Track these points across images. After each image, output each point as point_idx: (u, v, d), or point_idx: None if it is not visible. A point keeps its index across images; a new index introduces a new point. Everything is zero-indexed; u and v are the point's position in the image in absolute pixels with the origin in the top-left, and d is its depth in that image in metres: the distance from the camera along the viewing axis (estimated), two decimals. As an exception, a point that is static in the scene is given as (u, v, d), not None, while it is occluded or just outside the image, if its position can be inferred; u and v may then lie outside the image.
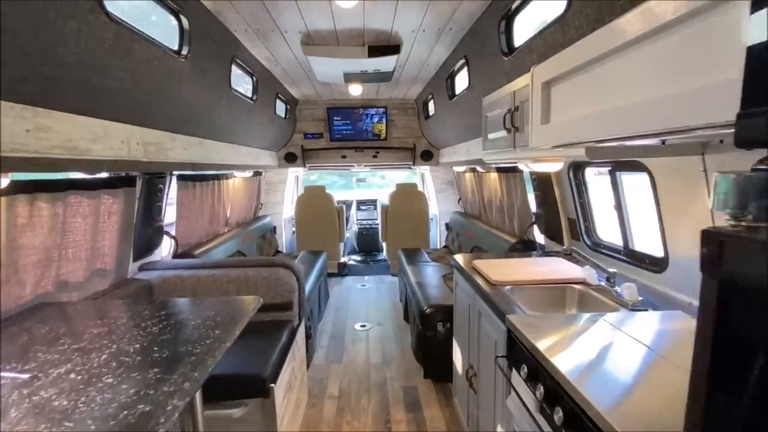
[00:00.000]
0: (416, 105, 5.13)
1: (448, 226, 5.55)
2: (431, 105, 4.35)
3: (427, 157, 5.32)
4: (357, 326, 4.10)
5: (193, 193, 3.22)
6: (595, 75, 1.12)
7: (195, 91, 2.25)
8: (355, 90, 4.37)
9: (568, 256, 2.50)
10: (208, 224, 3.53)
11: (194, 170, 2.67)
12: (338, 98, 4.95)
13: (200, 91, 2.32)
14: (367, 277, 5.90)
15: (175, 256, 2.93)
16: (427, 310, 3.00)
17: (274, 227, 5.45)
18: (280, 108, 4.31)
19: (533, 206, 3.11)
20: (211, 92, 2.47)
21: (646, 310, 1.62)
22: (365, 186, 9.89)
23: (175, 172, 2.85)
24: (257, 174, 4.89)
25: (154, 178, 2.56)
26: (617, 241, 2.25)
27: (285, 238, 5.96)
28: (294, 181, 6.50)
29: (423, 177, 6.71)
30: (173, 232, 3.02)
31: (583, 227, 2.49)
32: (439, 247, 6.00)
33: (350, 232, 7.33)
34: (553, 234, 2.82)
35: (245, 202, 4.59)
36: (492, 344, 1.80)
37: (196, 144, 2.69)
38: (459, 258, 2.61)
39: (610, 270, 1.77)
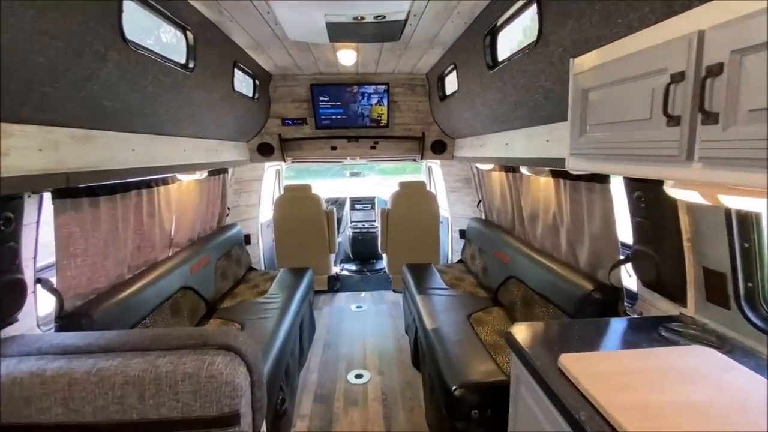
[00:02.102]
0: (427, 81, 3.96)
1: (463, 235, 4.47)
2: (451, 80, 3.20)
3: (440, 149, 4.17)
4: (351, 377, 3.10)
5: (93, 215, 2.05)
6: None
7: (27, 38, 1.11)
8: (347, 58, 3.19)
9: (715, 343, 1.45)
10: (133, 254, 2.42)
11: (70, 183, 1.55)
12: (324, 71, 3.77)
13: (49, 43, 1.18)
14: (363, 294, 4.87)
15: (59, 320, 1.83)
16: (456, 392, 1.98)
17: (247, 236, 4.34)
18: (244, 84, 3.14)
19: (622, 235, 2.04)
20: (78, 46, 1.33)
21: None
22: (361, 177, 8.79)
23: (47, 192, 1.72)
24: (219, 173, 3.74)
25: None
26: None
27: (263, 247, 4.85)
28: (274, 176, 5.36)
29: (430, 171, 5.59)
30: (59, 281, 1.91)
31: (742, 289, 1.44)
32: (451, 260, 4.94)
33: (343, 236, 6.22)
34: (664, 287, 1.76)
35: (201, 211, 3.45)
36: None
37: (73, 140, 1.56)
38: (521, 337, 1.55)
39: None
